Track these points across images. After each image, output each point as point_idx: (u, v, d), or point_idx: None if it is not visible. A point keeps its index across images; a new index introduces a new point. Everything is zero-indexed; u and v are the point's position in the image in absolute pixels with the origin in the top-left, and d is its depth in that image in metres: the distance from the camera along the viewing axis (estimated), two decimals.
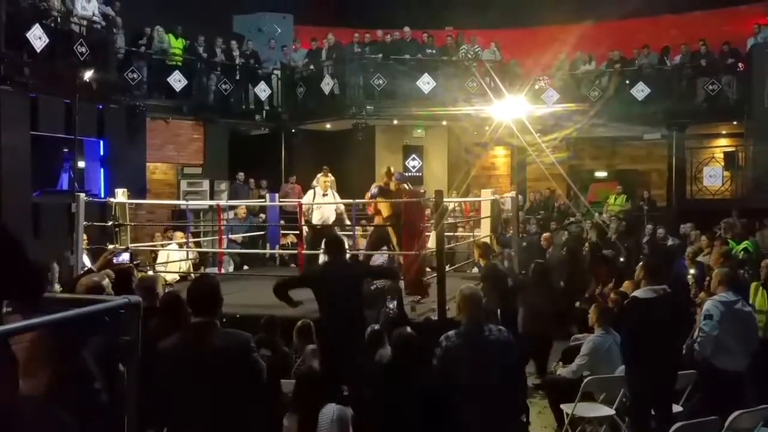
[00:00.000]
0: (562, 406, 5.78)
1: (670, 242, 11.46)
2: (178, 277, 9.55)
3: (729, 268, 6.70)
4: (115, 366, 3.90)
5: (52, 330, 3.55)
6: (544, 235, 11.82)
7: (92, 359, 3.79)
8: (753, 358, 5.42)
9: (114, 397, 3.71)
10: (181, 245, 10.47)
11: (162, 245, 10.57)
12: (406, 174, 15.27)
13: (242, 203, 11.93)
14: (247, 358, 3.55)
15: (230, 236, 11.25)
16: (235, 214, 11.87)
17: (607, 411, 5.61)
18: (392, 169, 8.78)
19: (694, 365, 5.51)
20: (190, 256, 10.61)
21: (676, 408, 5.48)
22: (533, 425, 6.22)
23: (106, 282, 4.20)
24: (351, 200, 9.72)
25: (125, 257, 8.18)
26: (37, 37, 10.45)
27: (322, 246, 6.17)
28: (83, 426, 3.75)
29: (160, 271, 9.91)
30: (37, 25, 10.48)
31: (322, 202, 9.25)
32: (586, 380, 5.60)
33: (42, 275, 3.26)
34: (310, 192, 9.56)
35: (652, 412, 5.21)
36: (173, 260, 10.14)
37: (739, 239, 9.56)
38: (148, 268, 9.33)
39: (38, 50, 10.50)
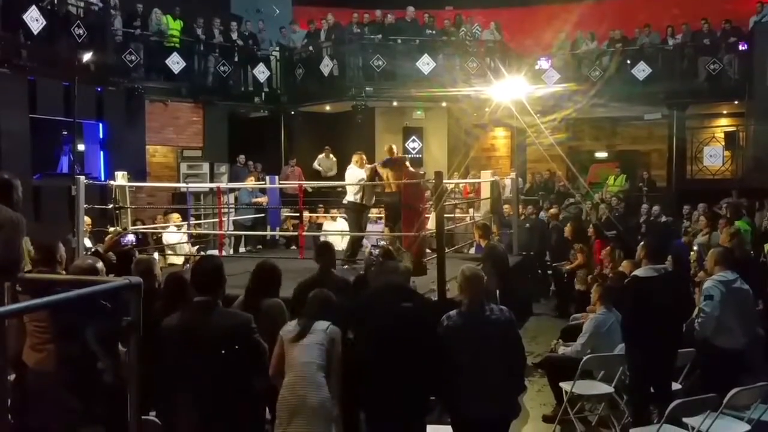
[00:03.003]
0: (561, 384, 5.82)
1: (662, 219, 11.54)
2: (183, 260, 9.59)
3: (737, 247, 6.75)
4: (117, 346, 3.95)
5: (57, 310, 3.59)
6: (551, 210, 11.92)
7: (95, 340, 3.84)
8: (751, 336, 5.46)
9: (117, 376, 3.77)
10: (179, 227, 10.47)
11: (162, 228, 10.59)
12: (407, 156, 15.32)
13: (243, 186, 11.90)
14: (249, 339, 3.57)
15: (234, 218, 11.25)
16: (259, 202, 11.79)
17: (606, 389, 5.66)
18: (394, 148, 8.81)
19: (693, 344, 5.55)
20: (184, 240, 10.62)
21: (675, 386, 5.52)
22: (533, 403, 6.28)
23: (100, 265, 4.21)
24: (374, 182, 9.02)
25: (131, 239, 8.21)
26: (34, 19, 10.40)
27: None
28: (87, 405, 3.80)
29: (170, 254, 9.98)
30: (34, 6, 10.42)
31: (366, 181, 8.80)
32: (585, 358, 5.64)
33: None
34: (357, 170, 8.89)
35: (651, 390, 5.25)
36: (178, 242, 10.18)
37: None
38: (153, 251, 9.36)
39: (35, 32, 10.46)
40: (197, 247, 10.66)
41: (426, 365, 4.09)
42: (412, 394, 4.14)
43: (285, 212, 11.59)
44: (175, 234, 10.30)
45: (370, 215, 10.41)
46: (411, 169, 8.82)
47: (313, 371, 3.97)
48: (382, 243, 8.38)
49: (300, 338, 4.04)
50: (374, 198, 9.24)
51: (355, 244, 8.86)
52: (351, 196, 8.87)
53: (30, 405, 3.84)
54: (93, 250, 6.83)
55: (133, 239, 8.23)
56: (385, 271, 4.51)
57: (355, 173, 8.85)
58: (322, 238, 11.09)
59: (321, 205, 12.61)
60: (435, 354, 4.09)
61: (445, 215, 8.70)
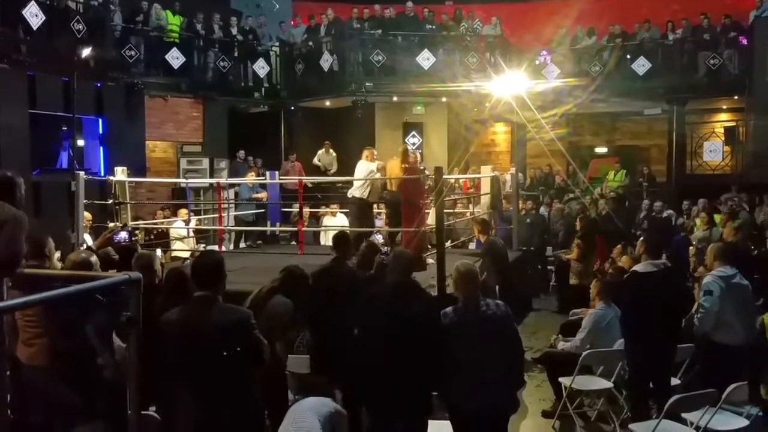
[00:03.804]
0: (560, 379, 5.83)
1: (665, 214, 11.55)
2: (189, 254, 9.60)
3: (741, 241, 6.77)
4: (112, 341, 3.96)
5: (53, 305, 3.60)
6: (557, 205, 11.92)
7: (95, 335, 3.85)
8: (750, 331, 5.46)
9: (115, 371, 3.77)
10: (186, 222, 10.51)
11: (166, 223, 10.61)
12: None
13: (243, 181, 11.90)
14: (249, 335, 3.57)
15: (235, 213, 11.26)
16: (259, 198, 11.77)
17: (605, 384, 5.67)
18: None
19: (692, 339, 5.56)
20: (192, 234, 10.65)
21: (674, 381, 5.53)
22: (532, 398, 6.30)
23: (94, 259, 4.21)
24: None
25: (124, 235, 8.20)
26: (34, 15, 10.40)
27: None
28: (86, 401, 3.81)
29: (177, 249, 9.99)
30: (33, 2, 10.41)
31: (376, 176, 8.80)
32: (584, 353, 5.65)
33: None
34: (368, 164, 8.89)
35: (651, 385, 5.26)
36: (185, 237, 10.21)
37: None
38: (156, 246, 9.36)
39: (35, 28, 10.45)
40: (202, 243, 10.69)
41: (430, 363, 4.10)
42: (416, 392, 4.15)
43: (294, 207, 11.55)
44: (183, 228, 10.35)
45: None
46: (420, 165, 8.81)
47: (307, 418, 3.84)
48: (379, 238, 8.39)
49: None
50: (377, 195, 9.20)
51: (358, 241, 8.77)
52: (356, 191, 8.80)
53: (24, 401, 3.85)
54: (86, 246, 6.84)
55: (126, 236, 8.21)
56: (398, 262, 4.49)
57: (367, 167, 8.79)
58: (322, 234, 11.12)
59: (335, 202, 12.48)
60: (437, 352, 4.10)
61: (446, 210, 8.70)
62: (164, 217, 11.06)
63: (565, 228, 11.10)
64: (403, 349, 4.10)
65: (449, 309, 4.15)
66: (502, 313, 4.13)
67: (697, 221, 10.47)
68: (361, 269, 5.66)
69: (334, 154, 13.81)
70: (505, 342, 4.09)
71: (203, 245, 10.78)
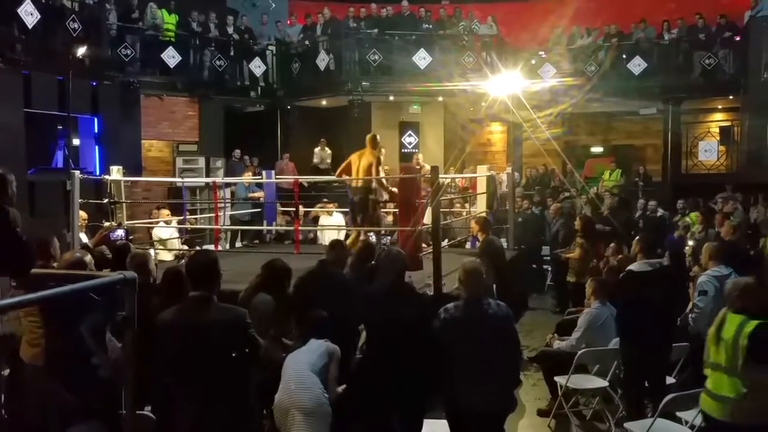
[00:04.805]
0: (556, 378, 5.85)
1: (659, 213, 11.58)
2: (173, 256, 9.52)
3: (738, 240, 6.78)
4: (107, 340, 3.95)
5: (49, 305, 3.59)
6: (554, 206, 11.90)
7: (90, 334, 3.84)
8: None
9: (112, 371, 3.77)
10: (168, 222, 10.42)
11: (152, 223, 10.53)
12: (404, 150, 15.28)
13: (239, 180, 11.87)
14: (245, 334, 3.58)
15: (231, 213, 11.22)
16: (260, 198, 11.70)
17: (601, 383, 5.69)
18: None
19: (687, 338, 5.57)
20: (177, 235, 10.55)
21: (669, 380, 5.55)
22: (528, 397, 6.31)
23: (88, 258, 4.21)
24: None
25: (120, 234, 8.17)
26: (29, 13, 10.36)
27: None
28: (83, 400, 3.81)
29: (159, 249, 9.92)
30: (28, 0, 10.37)
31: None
32: (580, 352, 5.66)
33: (31, 251, 3.30)
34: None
35: (646, 384, 5.28)
36: (169, 238, 10.11)
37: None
38: (148, 246, 9.31)
39: (30, 26, 10.41)
40: (189, 246, 10.55)
41: (423, 364, 4.11)
42: (410, 392, 4.16)
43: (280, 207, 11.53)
44: (165, 229, 10.25)
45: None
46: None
47: (306, 373, 4.13)
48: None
49: (296, 349, 4.29)
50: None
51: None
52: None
53: (25, 400, 3.85)
54: (83, 244, 6.83)
55: (123, 234, 8.17)
56: (390, 264, 4.51)
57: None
58: (318, 233, 11.11)
59: (326, 200, 12.44)
60: (433, 353, 4.11)
61: (442, 210, 8.70)
62: (158, 217, 11.00)
63: (565, 227, 11.07)
64: (396, 350, 4.11)
65: (450, 305, 4.17)
66: (503, 313, 4.15)
67: (692, 216, 10.49)
68: (358, 266, 5.66)
69: (330, 151, 13.91)
70: (505, 341, 4.11)
71: (188, 247, 10.67)
